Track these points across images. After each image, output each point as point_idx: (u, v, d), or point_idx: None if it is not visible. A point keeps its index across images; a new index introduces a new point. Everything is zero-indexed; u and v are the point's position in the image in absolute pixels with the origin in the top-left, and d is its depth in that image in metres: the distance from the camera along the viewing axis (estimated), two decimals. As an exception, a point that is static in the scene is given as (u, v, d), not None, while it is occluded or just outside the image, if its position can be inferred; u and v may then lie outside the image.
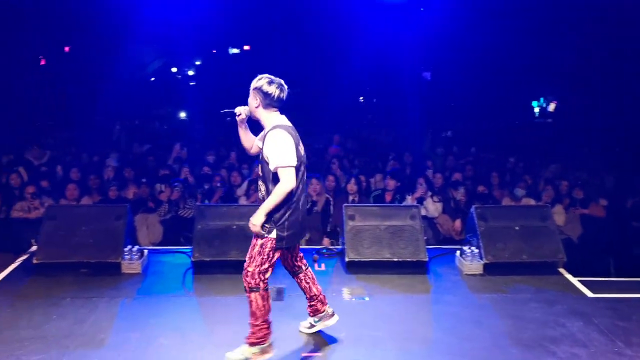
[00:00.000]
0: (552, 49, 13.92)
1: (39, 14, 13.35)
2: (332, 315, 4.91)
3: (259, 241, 4.32)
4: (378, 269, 6.33)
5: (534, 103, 18.77)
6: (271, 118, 4.39)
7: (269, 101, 4.34)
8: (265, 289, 4.39)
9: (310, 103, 15.80)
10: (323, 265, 6.62)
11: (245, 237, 6.32)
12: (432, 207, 8.42)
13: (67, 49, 16.79)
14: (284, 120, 4.43)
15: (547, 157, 11.17)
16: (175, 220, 8.20)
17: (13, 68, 13.96)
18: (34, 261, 6.24)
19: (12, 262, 6.59)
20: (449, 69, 15.78)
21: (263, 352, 4.43)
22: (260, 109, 4.38)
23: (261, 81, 4.35)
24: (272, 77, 4.38)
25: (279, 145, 4.21)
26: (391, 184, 8.57)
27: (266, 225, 4.26)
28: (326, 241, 7.69)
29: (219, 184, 8.67)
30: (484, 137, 13.52)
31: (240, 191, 8.78)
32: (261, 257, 4.31)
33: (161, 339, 4.78)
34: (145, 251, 6.60)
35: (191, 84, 20.31)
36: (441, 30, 13.66)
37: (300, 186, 4.37)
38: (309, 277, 4.88)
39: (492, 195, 8.99)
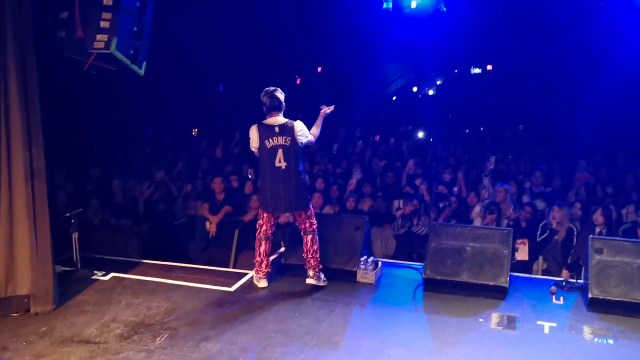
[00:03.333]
0: None
1: (296, 39, 14.59)
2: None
3: None
4: (626, 311, 5.69)
5: None
6: None
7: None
8: (260, 238, 6.16)
9: (555, 124, 14.92)
10: (562, 298, 6.15)
11: (479, 260, 6.22)
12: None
13: (319, 69, 18.08)
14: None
15: None
16: (408, 236, 8.31)
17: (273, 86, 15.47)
18: (282, 261, 6.84)
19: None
20: None
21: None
22: None
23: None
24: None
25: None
26: (646, 217, 7.70)
27: None
28: (565, 273, 7.16)
29: (447, 203, 8.59)
30: None
31: (475, 213, 8.59)
32: None
33: (390, 351, 4.86)
34: (380, 263, 6.80)
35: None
36: None
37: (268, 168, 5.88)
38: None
39: None
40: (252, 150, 6.12)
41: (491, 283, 6.07)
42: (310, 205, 6.19)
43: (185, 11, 11.37)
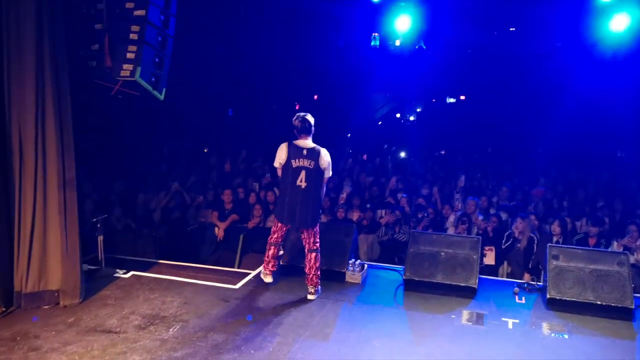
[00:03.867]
0: None
1: (296, 71, 14.68)
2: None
3: None
4: (579, 309, 5.68)
5: None
6: None
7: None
8: (270, 243, 5.96)
9: (518, 147, 15.01)
10: (524, 298, 6.15)
11: (452, 264, 6.22)
12: (642, 255, 7.37)
13: (315, 97, 18.14)
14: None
15: None
16: (391, 242, 8.31)
17: (275, 111, 15.55)
18: (281, 263, 6.77)
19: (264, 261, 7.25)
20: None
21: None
22: None
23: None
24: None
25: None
26: (593, 230, 7.71)
27: None
28: (527, 277, 7.17)
29: (425, 214, 8.60)
30: None
31: (449, 223, 8.61)
32: None
33: (375, 342, 4.85)
34: (366, 265, 6.78)
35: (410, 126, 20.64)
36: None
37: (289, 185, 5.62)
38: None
39: None
40: (274, 166, 5.84)
41: (462, 284, 6.07)
42: (318, 225, 5.84)
43: (201, 46, 11.43)
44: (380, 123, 20.88)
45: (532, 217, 8.13)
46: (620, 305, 5.58)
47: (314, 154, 5.55)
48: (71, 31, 5.45)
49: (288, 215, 5.70)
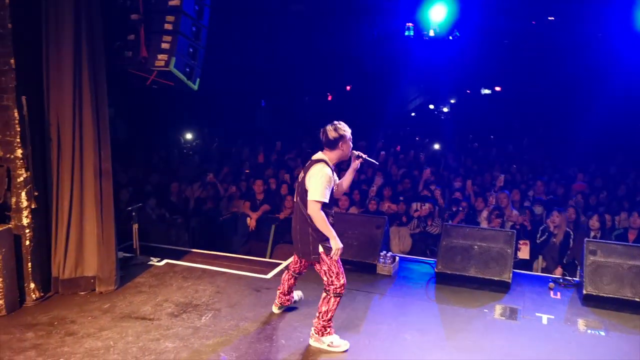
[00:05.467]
0: None
1: (328, 62, 14.63)
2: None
3: None
4: (617, 306, 5.54)
5: None
6: None
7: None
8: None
9: (556, 139, 14.66)
10: (559, 294, 6.01)
11: (485, 257, 6.12)
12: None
13: (348, 88, 18.08)
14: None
15: None
16: (423, 235, 8.23)
17: (307, 102, 15.56)
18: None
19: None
20: None
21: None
22: None
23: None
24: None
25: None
26: (637, 221, 7.45)
27: None
28: (558, 271, 7.01)
29: (460, 208, 8.48)
30: None
31: (482, 217, 8.46)
32: None
33: (406, 335, 4.82)
34: (397, 258, 6.73)
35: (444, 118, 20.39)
36: None
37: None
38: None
39: None
40: None
41: (496, 278, 5.97)
42: (326, 258, 4.44)
43: (235, 37, 11.50)
44: (413, 114, 20.67)
45: (571, 210, 7.94)
46: (660, 303, 5.41)
47: (309, 166, 4.48)
48: (107, 22, 5.53)
49: (293, 240, 4.75)
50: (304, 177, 4.45)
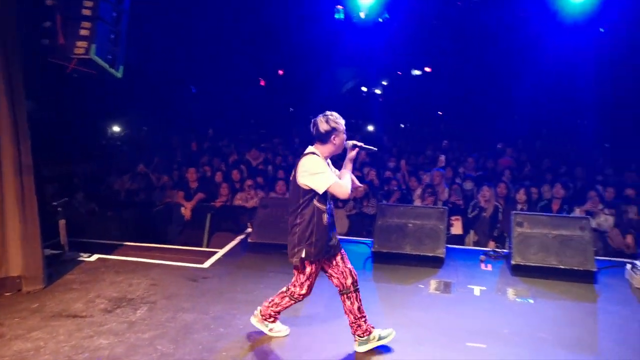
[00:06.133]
0: None
1: (260, 46, 14.47)
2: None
3: None
4: (543, 274, 5.88)
5: None
6: None
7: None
8: None
9: (484, 117, 15.21)
10: (490, 265, 6.32)
11: (419, 235, 6.31)
12: (603, 220, 7.60)
13: (281, 72, 17.95)
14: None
15: None
16: (359, 216, 8.37)
17: (240, 88, 15.35)
18: (249, 240, 6.81)
19: (233, 239, 7.26)
20: (630, 87, 14.10)
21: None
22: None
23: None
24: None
25: None
26: (560, 194, 7.89)
27: None
28: (491, 244, 7.34)
29: (395, 188, 8.67)
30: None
31: (416, 195, 8.70)
32: None
33: (345, 316, 4.89)
34: (334, 240, 6.81)
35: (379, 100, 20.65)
36: (621, 46, 12.23)
37: None
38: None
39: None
40: None
41: (430, 254, 6.18)
42: (306, 266, 4.26)
43: (161, 21, 11.13)
44: (346, 97, 20.81)
45: (502, 185, 8.29)
46: (582, 269, 5.78)
47: (298, 163, 4.12)
48: (21, 8, 5.23)
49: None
50: (294, 176, 4.08)
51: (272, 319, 4.53)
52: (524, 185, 8.22)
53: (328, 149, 4.14)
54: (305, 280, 4.31)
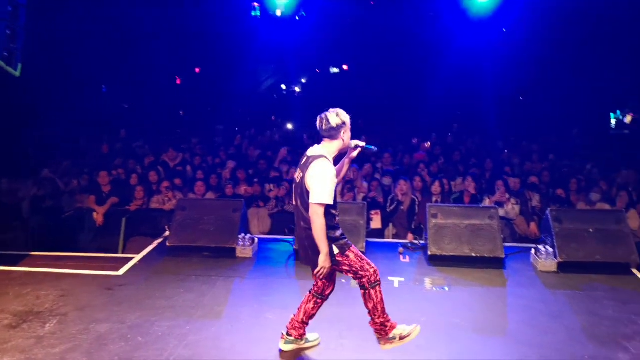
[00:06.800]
0: (630, 62, 12.91)
1: (175, 43, 14.09)
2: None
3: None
4: (458, 263, 6.16)
5: (612, 115, 17.48)
6: None
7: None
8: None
9: (401, 114, 15.66)
10: (408, 257, 6.52)
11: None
12: (511, 209, 8.04)
13: (197, 70, 17.56)
14: None
15: (621, 165, 10.34)
16: (281, 214, 8.35)
17: (155, 86, 14.86)
18: (167, 244, 6.61)
19: (150, 244, 7.02)
20: (530, 83, 15.10)
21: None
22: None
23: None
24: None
25: None
26: (472, 185, 8.27)
27: None
28: (410, 237, 7.57)
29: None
30: (563, 146, 12.74)
31: (337, 192, 8.79)
32: None
33: (268, 315, 4.89)
34: (256, 239, 6.78)
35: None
36: (522, 45, 13.05)
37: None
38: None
39: (568, 200, 8.46)
40: None
41: (351, 249, 6.26)
42: (342, 258, 3.97)
43: (66, 16, 10.54)
44: (265, 95, 20.73)
45: (417, 178, 8.55)
46: (492, 256, 6.11)
47: (306, 164, 3.91)
48: None
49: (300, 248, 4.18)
50: (302, 177, 3.87)
51: (389, 326, 4.15)
52: (438, 178, 8.54)
53: (337, 146, 3.98)
54: (357, 265, 3.99)
